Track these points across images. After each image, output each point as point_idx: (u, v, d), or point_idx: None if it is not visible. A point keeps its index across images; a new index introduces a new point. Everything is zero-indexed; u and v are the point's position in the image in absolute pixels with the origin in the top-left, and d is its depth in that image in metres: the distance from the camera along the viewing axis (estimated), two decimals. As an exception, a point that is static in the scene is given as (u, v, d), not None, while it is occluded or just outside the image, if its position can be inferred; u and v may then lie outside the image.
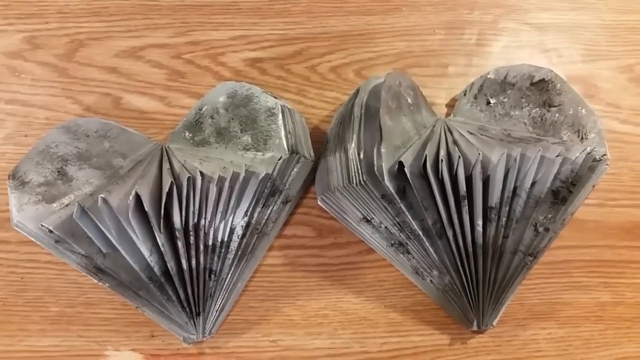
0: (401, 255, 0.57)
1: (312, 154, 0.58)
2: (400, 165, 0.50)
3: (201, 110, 0.58)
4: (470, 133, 0.55)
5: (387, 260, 0.58)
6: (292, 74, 0.66)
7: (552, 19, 0.69)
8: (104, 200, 0.48)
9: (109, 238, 0.50)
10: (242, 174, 0.51)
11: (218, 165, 0.52)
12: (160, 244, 0.51)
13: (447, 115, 0.64)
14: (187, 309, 0.54)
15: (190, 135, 0.58)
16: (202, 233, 0.53)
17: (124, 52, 0.65)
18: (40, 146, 0.54)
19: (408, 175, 0.50)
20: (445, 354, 0.57)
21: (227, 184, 0.51)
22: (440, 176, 0.51)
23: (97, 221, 0.49)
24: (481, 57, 0.67)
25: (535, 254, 0.54)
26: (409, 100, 0.58)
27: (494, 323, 0.55)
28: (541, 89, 0.60)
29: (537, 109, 0.59)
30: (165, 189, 0.49)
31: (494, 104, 0.61)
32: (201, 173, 0.50)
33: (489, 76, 0.63)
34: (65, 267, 0.56)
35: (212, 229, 0.54)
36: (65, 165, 0.54)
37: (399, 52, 0.67)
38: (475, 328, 0.55)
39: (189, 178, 0.50)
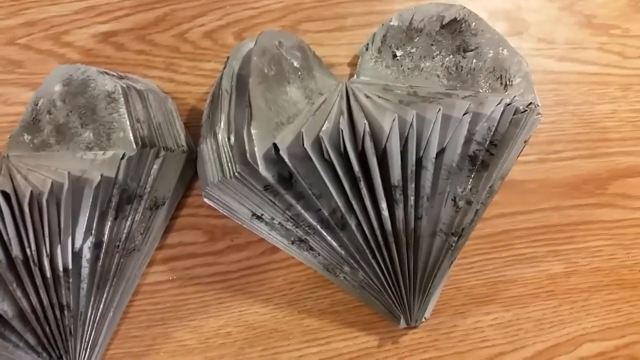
0: (305, 252, 0.56)
1: (183, 142, 0.56)
2: (276, 148, 0.47)
3: (37, 105, 0.55)
4: (367, 97, 0.53)
5: (296, 258, 0.57)
6: (157, 45, 0.63)
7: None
8: None
9: None
10: (66, 184, 0.47)
11: (36, 178, 0.49)
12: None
13: (351, 76, 0.62)
14: (45, 354, 0.51)
15: (29, 137, 0.55)
16: (33, 266, 0.49)
17: None
18: None
19: (287, 160, 0.47)
20: (375, 358, 0.56)
21: (44, 200, 0.47)
22: (326, 155, 0.49)
23: None
24: (383, 1, 0.66)
25: (460, 232, 0.53)
26: (295, 63, 0.56)
27: (426, 316, 0.55)
28: (454, 32, 0.58)
29: (451, 56, 0.58)
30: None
31: (400, 56, 0.59)
32: (2, 192, 0.46)
33: (391, 23, 0.61)
34: None
35: (46, 257, 0.50)
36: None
37: (285, 6, 0.65)
38: (404, 325, 0.55)
39: (3, 193, 0.46)
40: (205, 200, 0.53)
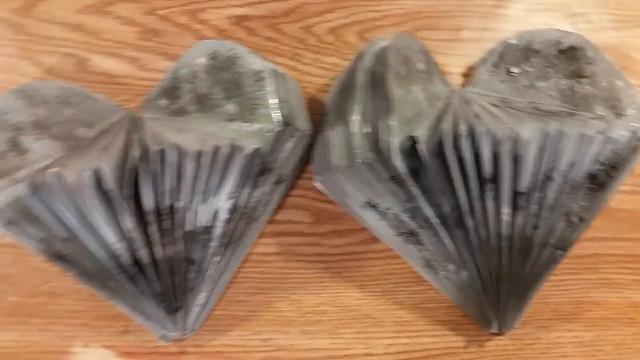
0: (411, 246, 0.58)
1: (309, 127, 0.58)
2: (414, 141, 0.50)
3: (178, 74, 0.58)
4: (494, 105, 0.56)
5: (394, 251, 0.59)
6: (285, 35, 0.66)
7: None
8: (58, 175, 0.48)
9: (65, 222, 0.50)
10: (225, 149, 0.51)
11: (196, 138, 0.52)
12: (126, 230, 0.51)
13: (463, 86, 0.65)
14: (165, 304, 0.54)
15: (167, 102, 0.58)
16: (178, 217, 0.53)
17: (89, 6, 0.65)
18: None
19: (423, 154, 0.50)
20: (459, 358, 0.58)
21: (206, 159, 0.51)
22: (461, 155, 0.51)
23: (49, 202, 0.49)
24: (499, 20, 0.69)
25: (566, 247, 0.55)
26: (420, 66, 0.58)
27: (515, 324, 0.56)
28: (570, 58, 0.61)
29: (566, 80, 0.60)
30: (132, 164, 0.49)
31: (516, 73, 0.62)
32: (175, 145, 0.50)
33: (510, 42, 0.63)
34: (25, 252, 0.57)
35: (191, 212, 0.54)
36: (20, 135, 0.54)
37: (406, 13, 0.68)
38: (495, 330, 0.56)
39: (160, 150, 0.49)
40: (317, 184, 0.56)
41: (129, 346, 0.57)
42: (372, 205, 0.57)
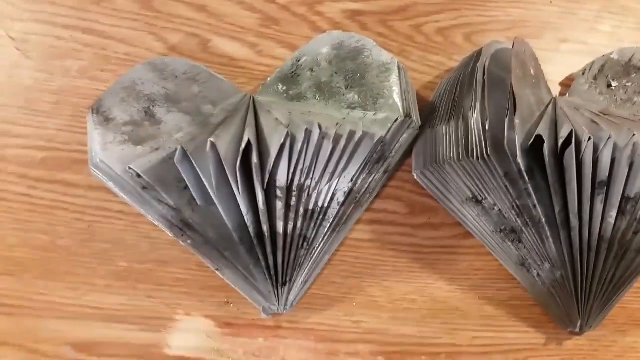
0: (508, 243, 0.57)
1: (420, 120, 0.57)
2: (540, 140, 0.49)
3: (299, 61, 0.58)
4: (599, 114, 0.54)
5: (486, 248, 0.58)
6: (395, 31, 0.65)
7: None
8: (213, 145, 0.48)
9: (206, 189, 0.50)
10: (359, 134, 0.51)
11: (330, 121, 0.51)
12: (260, 202, 0.51)
13: (561, 94, 0.64)
14: (274, 278, 0.54)
15: (284, 88, 0.58)
16: (304, 195, 0.53)
17: None
18: (125, 81, 0.54)
19: (545, 154, 0.49)
20: (539, 354, 0.57)
21: (342, 142, 0.51)
22: (580, 159, 0.50)
23: (198, 169, 0.49)
24: (599, 35, 0.67)
25: None
26: (532, 71, 0.57)
27: (595, 326, 0.56)
28: None
29: None
30: (279, 140, 0.48)
31: (615, 87, 0.61)
32: (319, 126, 0.49)
33: (612, 57, 0.62)
34: (138, 220, 0.56)
35: (316, 192, 0.54)
36: (153, 106, 0.54)
37: (513, 20, 0.66)
38: (577, 329, 0.55)
39: (306, 130, 0.49)
40: (417, 177, 0.57)
41: (229, 317, 0.57)
42: (478, 201, 0.56)
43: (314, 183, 0.53)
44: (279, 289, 0.54)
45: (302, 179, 0.52)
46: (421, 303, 0.58)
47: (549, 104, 0.56)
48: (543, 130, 0.50)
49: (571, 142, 0.50)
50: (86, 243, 0.57)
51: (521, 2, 0.67)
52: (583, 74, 0.63)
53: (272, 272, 0.54)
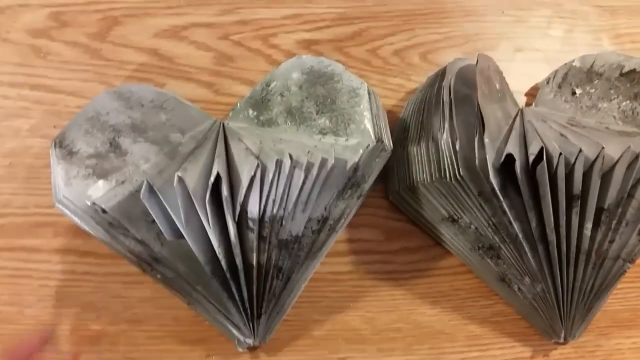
0: (487, 260, 0.52)
1: (391, 144, 0.53)
2: (510, 158, 0.45)
3: (269, 86, 0.53)
4: (567, 125, 0.50)
5: (464, 267, 0.54)
6: (352, 57, 0.60)
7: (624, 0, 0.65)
8: (180, 179, 0.42)
9: (174, 223, 0.45)
10: (331, 161, 0.46)
11: (301, 148, 0.47)
12: (232, 235, 0.45)
13: (527, 104, 0.60)
14: (248, 310, 0.48)
15: (255, 113, 0.52)
16: (277, 226, 0.47)
17: (165, 31, 0.59)
18: (88, 112, 0.48)
19: (517, 171, 0.45)
20: None
21: (314, 171, 0.46)
22: (552, 173, 0.46)
23: (166, 203, 0.43)
24: (552, 41, 0.63)
25: (633, 259, 0.50)
26: (497, 85, 0.53)
27: (579, 334, 0.52)
28: (632, 80, 0.55)
29: (628, 101, 0.55)
30: (250, 172, 0.43)
31: (579, 94, 0.57)
32: (290, 156, 0.45)
33: (574, 64, 0.59)
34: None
35: (289, 222, 0.48)
36: (118, 137, 0.48)
37: (466, 35, 0.62)
38: (562, 340, 0.51)
39: (277, 161, 0.44)
40: (392, 199, 0.52)
41: None
42: (454, 220, 0.51)
43: (286, 213, 0.47)
44: (254, 321, 0.48)
45: (275, 210, 0.47)
46: (406, 331, 0.53)
47: (516, 116, 0.52)
48: (513, 147, 0.46)
49: (542, 158, 0.46)
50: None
51: (473, 15, 0.62)
52: (547, 82, 0.59)
53: (247, 305, 0.48)
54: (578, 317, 0.51)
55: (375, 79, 0.59)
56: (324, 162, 0.46)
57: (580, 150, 0.44)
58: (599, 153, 0.44)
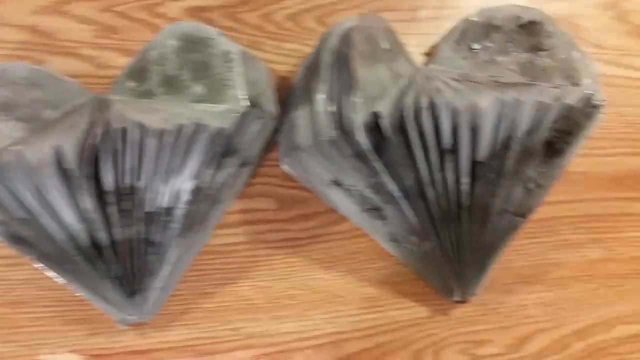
0: (376, 221, 0.47)
1: (277, 110, 0.47)
2: (377, 117, 0.40)
3: (147, 55, 0.46)
4: (455, 80, 0.44)
5: (360, 230, 0.48)
6: (244, 23, 0.52)
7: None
8: (19, 154, 0.37)
9: (27, 202, 0.39)
10: (188, 127, 0.40)
11: (161, 117, 0.41)
12: (86, 210, 0.40)
13: (426, 64, 0.52)
14: (123, 287, 0.42)
15: (134, 84, 0.46)
16: (139, 197, 0.41)
17: (44, 7, 0.51)
18: None
19: (386, 129, 0.40)
20: (426, 328, 0.46)
21: (169, 137, 0.40)
22: (421, 128, 0.41)
23: (8, 181, 0.38)
24: None
25: (525, 214, 0.45)
26: (385, 45, 0.47)
27: (477, 292, 0.46)
28: (530, 32, 0.49)
29: (526, 54, 0.48)
30: (91, 142, 0.38)
31: (477, 49, 0.49)
32: (137, 123, 0.39)
33: (471, 19, 0.51)
34: None
35: (152, 192, 0.42)
36: None
37: None
38: (458, 298, 0.46)
39: (122, 128, 0.38)
40: (283, 166, 0.45)
41: (98, 348, 0.44)
42: (338, 183, 0.46)
43: (145, 184, 0.41)
44: (133, 298, 0.42)
45: (130, 181, 0.40)
46: (301, 297, 0.47)
47: (411, 76, 0.45)
48: (385, 105, 0.40)
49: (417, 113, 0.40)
50: None
51: (370, -26, 0.52)
52: (445, 40, 0.51)
53: (120, 282, 0.42)
54: (472, 274, 0.45)
55: (269, 44, 0.52)
56: (180, 128, 0.40)
57: (447, 102, 0.39)
58: (465, 105, 0.39)
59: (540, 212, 0.48)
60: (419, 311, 0.46)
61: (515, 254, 0.48)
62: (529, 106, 0.41)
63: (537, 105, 0.42)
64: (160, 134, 0.40)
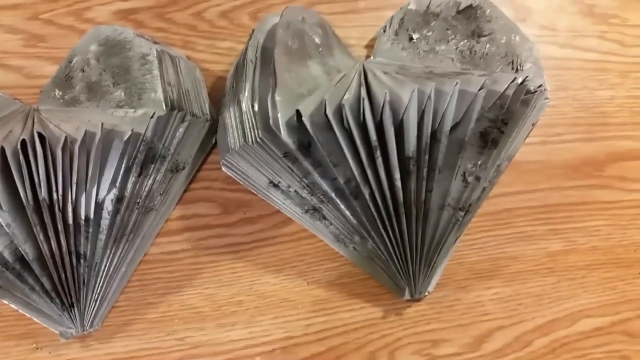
0: (318, 222, 0.45)
1: (207, 112, 0.46)
2: (299, 115, 0.38)
3: (71, 62, 0.45)
4: (385, 73, 0.42)
5: (307, 231, 0.46)
6: (175, 23, 0.51)
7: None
8: None
9: None
10: (98, 134, 0.38)
11: (73, 125, 0.39)
12: (4, 224, 0.38)
13: (366, 57, 0.51)
14: (57, 300, 0.41)
15: (60, 93, 0.45)
16: (57, 209, 0.39)
17: None
18: None
19: (308, 127, 0.38)
20: (379, 329, 0.45)
21: (77, 147, 0.38)
22: (346, 124, 0.39)
23: None
24: None
25: (468, 207, 0.43)
26: (317, 40, 0.45)
27: (430, 289, 0.44)
28: (469, 17, 0.48)
29: (466, 40, 0.47)
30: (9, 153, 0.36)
31: (417, 39, 0.48)
32: (39, 135, 0.37)
33: (409, 7, 0.50)
34: None
35: (70, 203, 0.40)
36: None
37: None
38: (408, 297, 0.44)
39: (22, 141, 0.37)
40: (223, 169, 0.43)
41: None
42: (275, 185, 0.44)
43: (61, 195, 0.39)
44: (69, 311, 0.41)
45: (45, 193, 0.38)
46: (248, 302, 0.45)
47: (348, 71, 0.43)
48: (308, 103, 0.39)
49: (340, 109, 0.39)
50: None
51: (306, -34, 0.51)
52: (384, 31, 0.50)
53: (54, 295, 0.41)
54: (420, 271, 0.43)
55: (202, 44, 0.51)
56: (90, 136, 0.38)
57: (364, 99, 0.37)
58: (384, 99, 0.37)
59: (494, 205, 0.48)
60: (372, 312, 0.45)
61: (469, 249, 0.47)
62: (452, 97, 0.39)
63: (461, 94, 0.40)
64: (64, 143, 0.38)
